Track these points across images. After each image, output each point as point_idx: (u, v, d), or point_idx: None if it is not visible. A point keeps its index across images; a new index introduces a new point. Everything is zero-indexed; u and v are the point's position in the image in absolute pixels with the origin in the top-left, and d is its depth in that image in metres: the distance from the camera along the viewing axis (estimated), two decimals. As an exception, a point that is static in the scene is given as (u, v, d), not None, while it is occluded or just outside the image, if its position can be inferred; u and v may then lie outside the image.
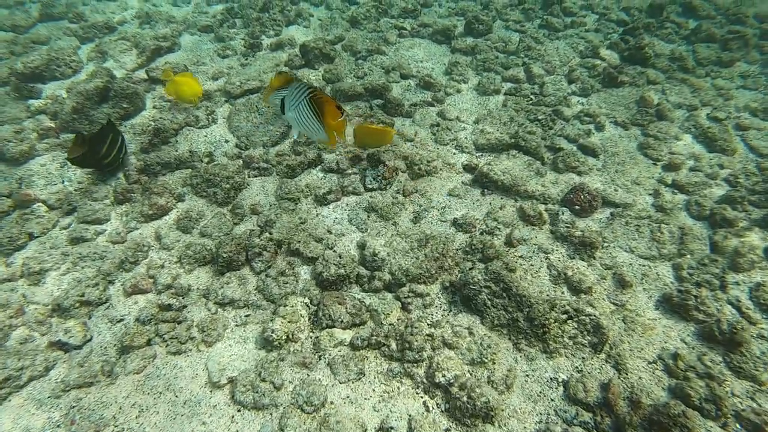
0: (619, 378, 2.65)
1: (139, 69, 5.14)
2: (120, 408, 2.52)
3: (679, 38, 5.30)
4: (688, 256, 3.27)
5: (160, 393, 2.59)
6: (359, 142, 3.37)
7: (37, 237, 3.47)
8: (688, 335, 2.86)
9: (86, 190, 3.73)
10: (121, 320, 2.95)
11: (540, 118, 4.19)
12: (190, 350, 2.78)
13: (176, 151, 4.04)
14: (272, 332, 2.67)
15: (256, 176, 3.82)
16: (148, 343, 2.79)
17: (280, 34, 5.62)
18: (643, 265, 3.25)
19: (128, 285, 3.07)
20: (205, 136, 4.25)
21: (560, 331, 2.75)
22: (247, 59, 5.18)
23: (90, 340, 2.86)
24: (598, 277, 3.14)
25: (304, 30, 5.73)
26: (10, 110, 4.55)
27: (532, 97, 4.54)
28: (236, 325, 2.88)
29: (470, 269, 3.05)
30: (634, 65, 4.78)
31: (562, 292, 3.04)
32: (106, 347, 2.81)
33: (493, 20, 5.63)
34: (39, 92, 4.79)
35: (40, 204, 3.68)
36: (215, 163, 3.92)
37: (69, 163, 3.73)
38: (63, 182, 3.88)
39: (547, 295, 2.96)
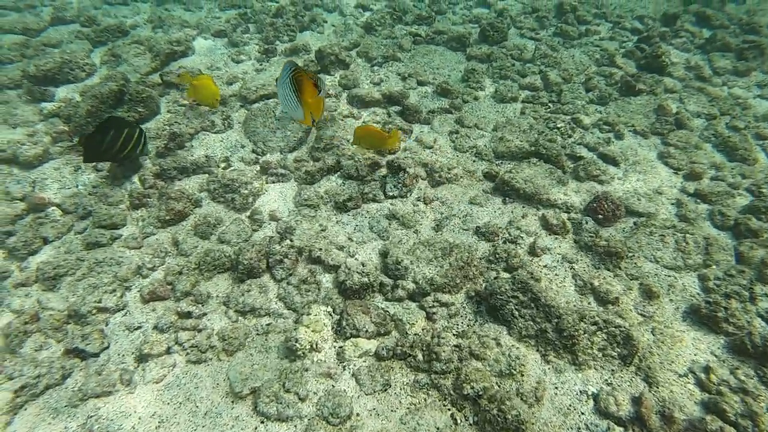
0: (650, 391, 2.58)
1: (153, 73, 5.11)
2: (139, 418, 2.45)
3: (694, 47, 5.30)
4: (714, 267, 3.22)
5: (181, 403, 2.52)
6: (357, 141, 3.28)
7: (52, 241, 3.42)
8: (718, 348, 2.80)
9: (101, 195, 3.68)
10: (139, 327, 2.89)
11: (559, 126, 4.16)
12: (211, 359, 2.71)
13: (192, 156, 4.00)
14: (296, 341, 2.61)
15: (273, 182, 3.78)
16: (168, 351, 2.73)
17: (294, 39, 5.61)
18: (669, 276, 3.20)
19: (146, 291, 3.01)
20: (221, 140, 4.21)
21: (590, 343, 2.69)
22: (261, 64, 5.16)
23: (107, 347, 2.79)
24: (624, 288, 3.09)
25: (318, 36, 5.72)
26: (22, 113, 4.51)
27: (549, 105, 4.52)
28: (257, 334, 2.81)
29: (495, 278, 3.00)
30: (651, 74, 4.76)
31: (589, 303, 2.99)
32: (123, 355, 2.75)
33: (507, 28, 5.63)
34: (51, 95, 4.76)
35: (54, 208, 3.63)
36: (232, 168, 3.88)
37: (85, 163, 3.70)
38: (77, 186, 3.84)
39: (575, 306, 2.91)
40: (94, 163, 3.94)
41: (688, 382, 2.64)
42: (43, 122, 4.41)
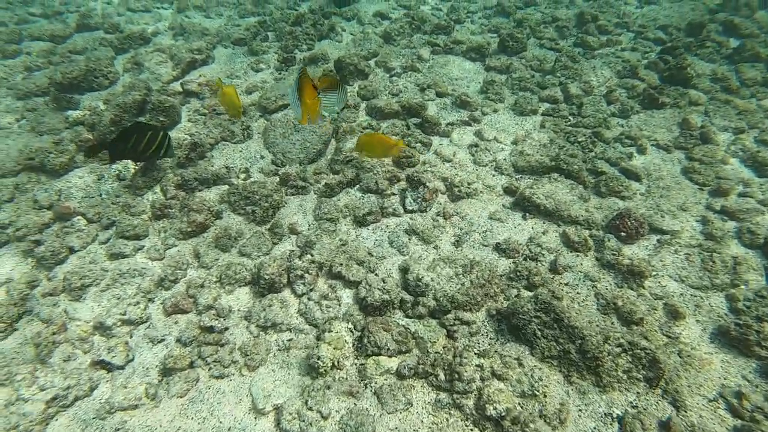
0: (678, 416, 2.53)
1: (174, 81, 5.19)
2: (164, 433, 2.48)
3: (720, 58, 5.19)
4: (743, 287, 3.15)
5: (204, 418, 2.54)
6: (360, 149, 3.21)
7: (77, 251, 3.48)
8: (750, 372, 2.73)
9: (124, 204, 3.74)
10: (162, 340, 2.93)
11: (580, 140, 4.11)
12: (233, 374, 2.73)
13: (212, 166, 4.05)
14: (318, 359, 2.62)
15: (293, 194, 3.80)
16: (191, 365, 2.76)
17: (313, 48, 5.64)
18: (695, 296, 3.13)
19: (168, 304, 3.05)
20: (241, 151, 4.25)
21: (614, 365, 2.65)
22: (280, 73, 5.20)
23: (132, 360, 2.83)
24: (648, 308, 3.03)
25: (337, 45, 5.74)
26: (49, 120, 4.61)
27: (570, 118, 4.47)
28: (279, 350, 2.83)
29: (516, 297, 2.98)
30: (675, 86, 4.68)
31: (612, 323, 2.94)
32: (148, 368, 2.79)
33: (527, 38, 5.58)
34: (77, 103, 4.85)
35: (80, 217, 3.69)
36: (252, 180, 3.91)
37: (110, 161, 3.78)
38: (100, 195, 3.90)
39: (597, 326, 2.87)
40: (117, 166, 3.98)
41: (719, 407, 2.58)
42: (68, 130, 4.49)
